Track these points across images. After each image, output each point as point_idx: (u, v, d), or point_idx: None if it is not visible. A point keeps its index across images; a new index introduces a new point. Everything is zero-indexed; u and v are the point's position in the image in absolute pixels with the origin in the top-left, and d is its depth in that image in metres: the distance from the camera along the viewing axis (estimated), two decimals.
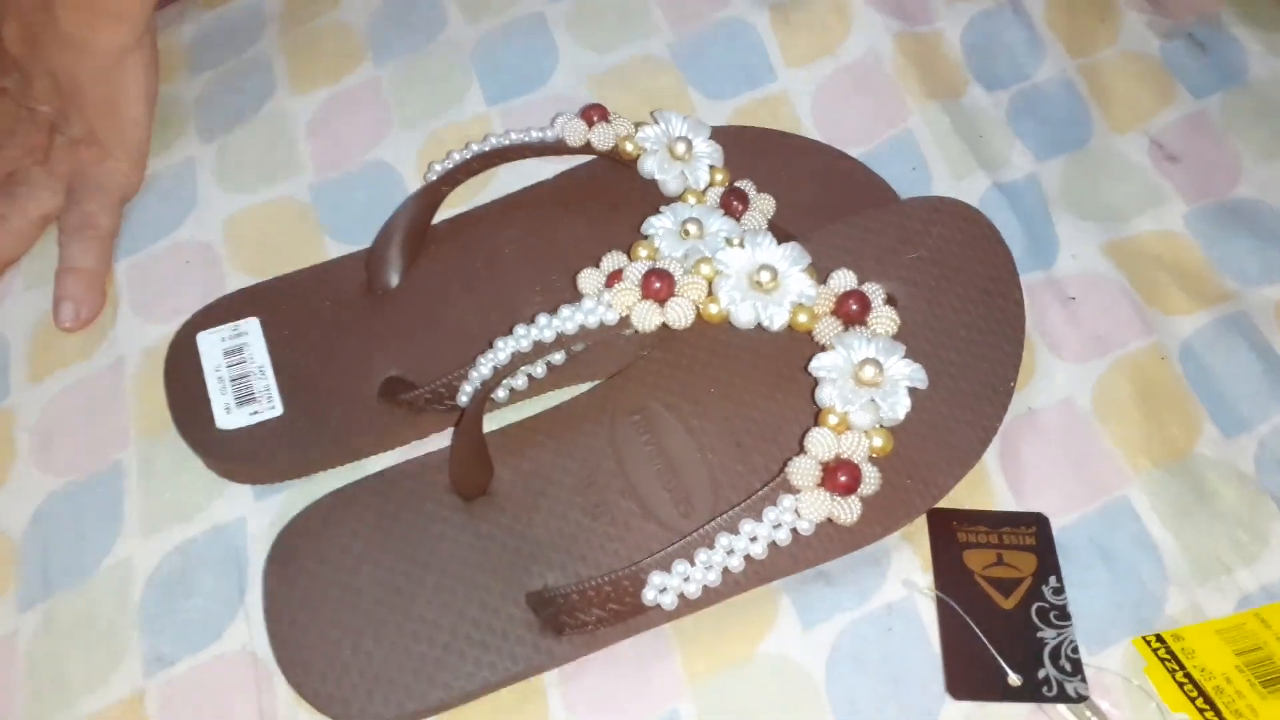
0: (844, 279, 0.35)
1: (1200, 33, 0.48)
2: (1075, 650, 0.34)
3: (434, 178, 0.41)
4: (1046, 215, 0.43)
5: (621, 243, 0.37)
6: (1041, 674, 0.34)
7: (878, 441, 0.33)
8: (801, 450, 0.33)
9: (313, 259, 0.44)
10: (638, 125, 0.40)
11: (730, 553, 0.33)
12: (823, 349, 0.34)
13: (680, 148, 0.39)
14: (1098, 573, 0.36)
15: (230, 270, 0.44)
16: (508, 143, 0.41)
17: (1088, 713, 0.33)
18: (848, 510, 0.33)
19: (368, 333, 0.41)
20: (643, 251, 0.36)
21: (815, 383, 0.34)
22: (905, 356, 0.34)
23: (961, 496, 0.37)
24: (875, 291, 0.35)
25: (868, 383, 0.33)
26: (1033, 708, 0.33)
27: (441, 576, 0.36)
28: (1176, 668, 0.34)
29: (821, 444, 0.33)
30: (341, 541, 0.37)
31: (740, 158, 0.41)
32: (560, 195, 0.44)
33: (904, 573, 0.36)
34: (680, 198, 0.39)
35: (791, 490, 0.33)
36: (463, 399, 0.36)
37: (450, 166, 0.41)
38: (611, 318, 0.34)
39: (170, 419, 0.40)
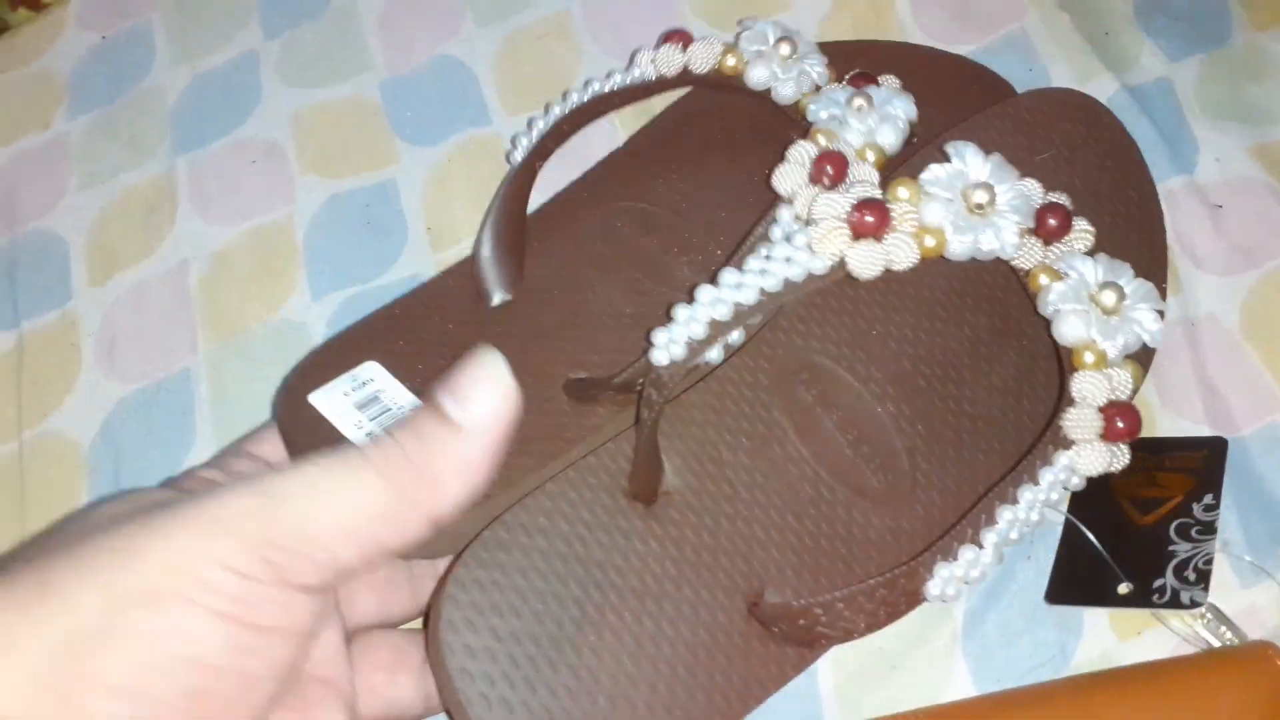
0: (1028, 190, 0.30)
1: None
2: (1208, 562, 0.31)
3: (521, 154, 0.36)
4: (1182, 118, 0.40)
5: (737, 186, 0.33)
6: (1158, 583, 0.31)
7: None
8: (1067, 398, 0.28)
9: (383, 161, 0.41)
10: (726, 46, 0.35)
11: (1013, 523, 0.28)
12: (1017, 272, 0.30)
13: (785, 49, 0.35)
14: (1246, 501, 0.33)
15: (299, 171, 0.41)
16: (590, 96, 0.35)
17: (1201, 623, 0.30)
18: (1121, 457, 0.28)
19: (514, 339, 0.35)
20: (823, 141, 0.30)
21: (979, 305, 0.31)
22: None
23: None
24: (1063, 200, 0.30)
25: (1111, 310, 0.28)
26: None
27: (644, 601, 0.30)
28: None
29: (1094, 388, 0.28)
30: (516, 584, 0.30)
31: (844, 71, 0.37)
32: (649, 152, 0.39)
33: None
34: (796, 107, 0.35)
35: (1064, 445, 0.28)
36: (663, 355, 0.29)
37: (537, 138, 0.35)
38: (820, 266, 0.28)
39: (237, 326, 0.38)
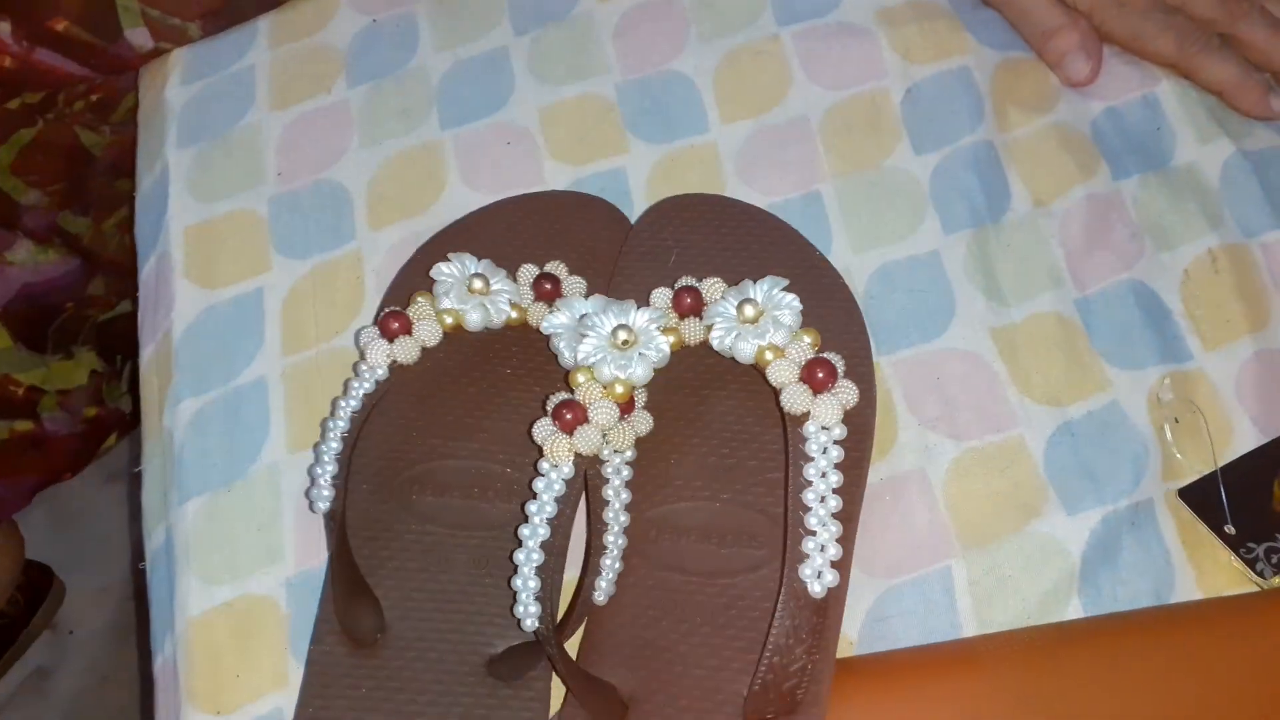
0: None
1: None
2: None
3: (323, 504, 0.39)
4: None
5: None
6: (1251, 547, 0.39)
7: (806, 339, 0.37)
8: (776, 392, 0.37)
9: (615, 153, 0.50)
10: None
11: (818, 499, 0.35)
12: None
13: (478, 283, 0.41)
14: None
15: (546, 155, 0.50)
16: (350, 415, 0.39)
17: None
18: (849, 394, 0.36)
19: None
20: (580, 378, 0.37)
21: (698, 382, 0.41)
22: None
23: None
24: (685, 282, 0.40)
25: (754, 318, 0.38)
26: None
27: None
28: None
29: (782, 369, 0.36)
30: None
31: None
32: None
33: (1152, 483, 0.41)
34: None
35: (800, 421, 0.36)
36: (530, 623, 0.35)
37: (330, 481, 0.39)
38: (568, 471, 0.36)
39: None
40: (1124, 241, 0.46)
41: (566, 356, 0.38)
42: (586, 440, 0.36)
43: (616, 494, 0.38)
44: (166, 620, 0.44)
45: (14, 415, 0.73)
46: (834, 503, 0.35)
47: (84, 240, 0.71)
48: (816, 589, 0.34)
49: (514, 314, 0.41)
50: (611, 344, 0.38)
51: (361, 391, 0.39)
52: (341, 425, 0.38)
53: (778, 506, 0.40)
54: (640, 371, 0.37)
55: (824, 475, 0.35)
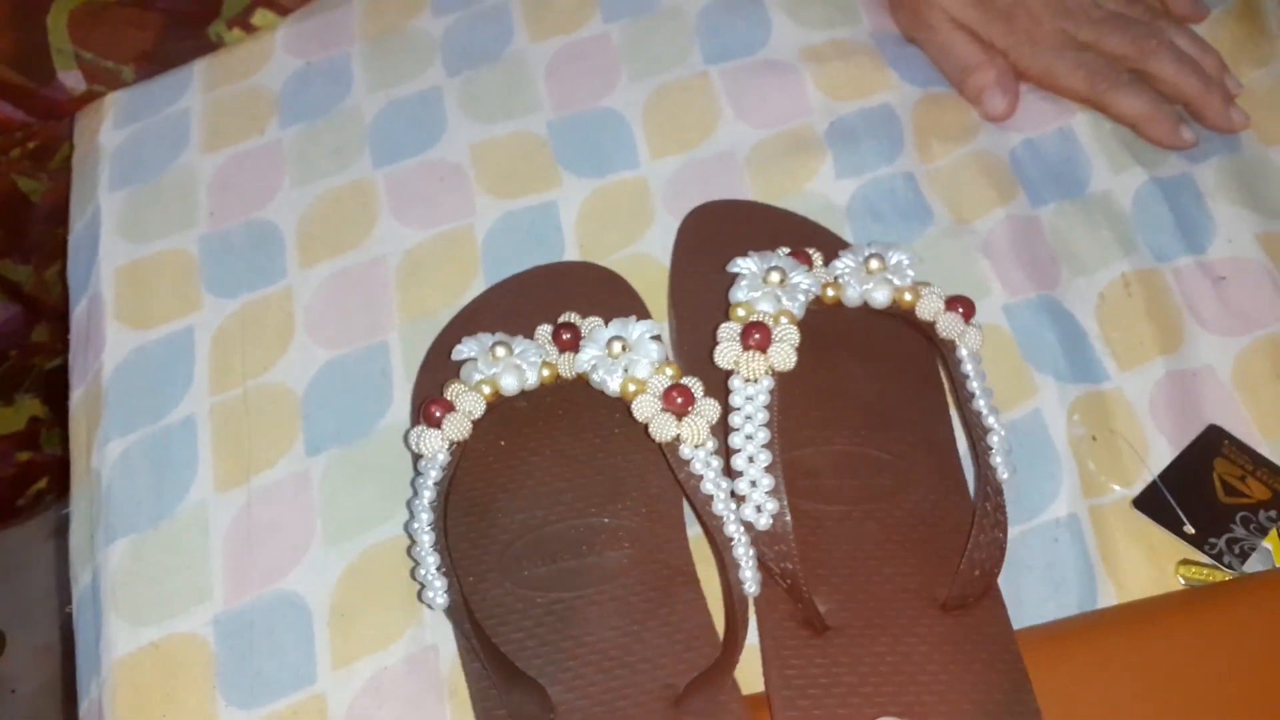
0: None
1: None
2: (1252, 549, 0.40)
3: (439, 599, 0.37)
4: (1203, 205, 0.49)
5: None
6: (1213, 541, 0.41)
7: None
8: (939, 342, 0.41)
9: (547, 188, 0.50)
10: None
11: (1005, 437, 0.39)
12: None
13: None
14: None
15: (478, 191, 0.50)
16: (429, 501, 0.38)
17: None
18: (974, 335, 0.40)
19: None
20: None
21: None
22: None
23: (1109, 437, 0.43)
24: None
25: (876, 270, 0.41)
26: None
27: None
28: None
29: (930, 302, 0.40)
30: None
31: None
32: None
33: (1073, 499, 0.42)
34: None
35: (950, 349, 0.40)
36: (765, 521, 0.37)
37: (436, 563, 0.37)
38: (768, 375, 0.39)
39: (427, 310, 0.47)
40: (1043, 263, 0.47)
41: (610, 385, 0.39)
42: (782, 355, 0.38)
43: (716, 485, 0.37)
44: (93, 663, 0.43)
45: None
46: (995, 418, 0.39)
47: (25, 288, 0.71)
48: (1004, 474, 0.38)
49: (545, 371, 0.41)
50: (766, 281, 0.41)
51: (432, 481, 0.38)
52: (425, 517, 0.37)
53: (894, 445, 0.42)
54: (801, 302, 0.40)
55: (987, 393, 0.39)
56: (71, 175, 0.56)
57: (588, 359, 0.40)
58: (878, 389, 0.43)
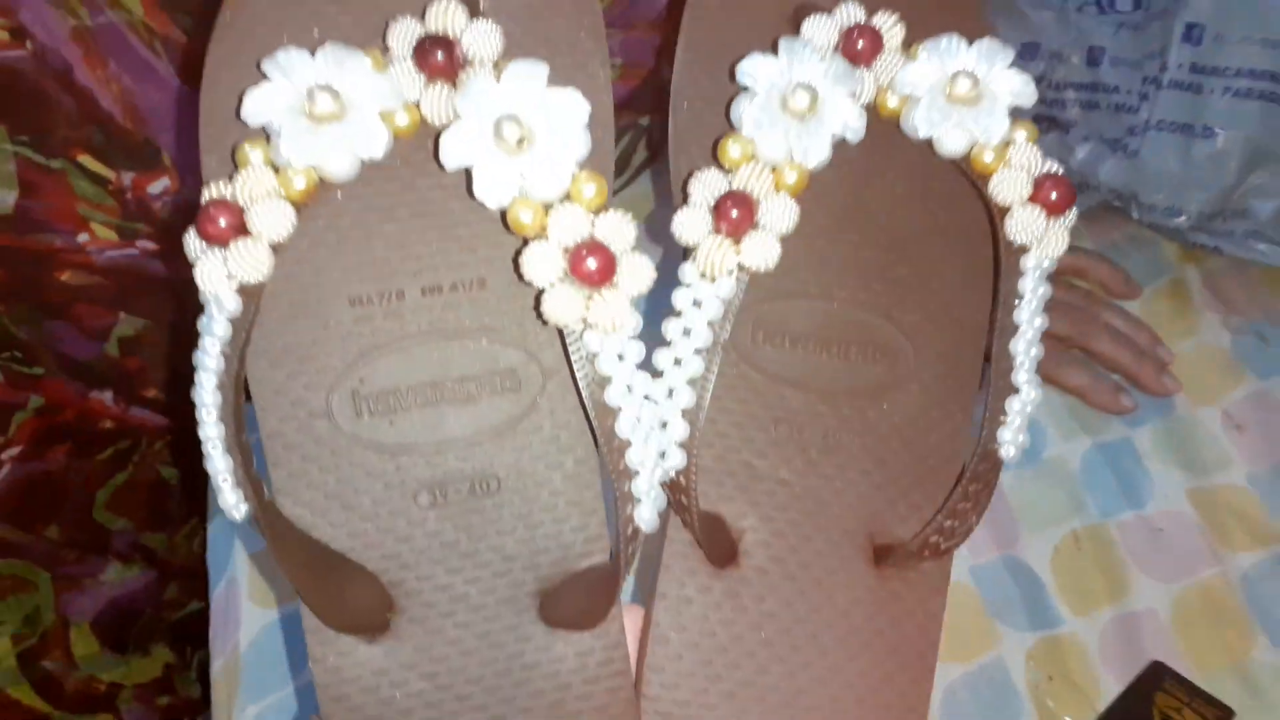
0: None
1: (1263, 328, 0.63)
2: None
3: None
4: (1142, 466, 0.58)
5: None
6: None
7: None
8: (996, 209, 0.30)
9: None
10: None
11: (1029, 347, 0.31)
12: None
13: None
14: None
15: None
16: None
17: None
18: (1068, 222, 0.30)
19: None
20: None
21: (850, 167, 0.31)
22: None
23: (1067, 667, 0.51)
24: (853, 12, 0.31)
25: (971, 98, 0.29)
26: None
27: (799, 608, 0.33)
28: None
29: (1010, 184, 0.30)
30: None
31: None
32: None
33: None
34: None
35: (1020, 252, 0.30)
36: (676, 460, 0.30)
37: None
38: (727, 289, 0.29)
39: None
40: (1004, 524, 0.56)
41: (489, 200, 0.27)
42: (760, 252, 0.28)
43: (626, 395, 0.28)
44: None
45: (95, 709, 0.83)
46: (1036, 352, 0.30)
47: (160, 553, 0.83)
48: (1010, 454, 0.30)
49: (404, 119, 0.27)
50: (786, 107, 0.28)
51: (218, 348, 0.27)
52: (211, 401, 0.27)
53: (905, 314, 0.33)
54: (826, 155, 0.29)
55: (1034, 321, 0.30)
56: None
57: (458, 146, 0.27)
58: (910, 229, 0.33)
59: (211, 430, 0.27)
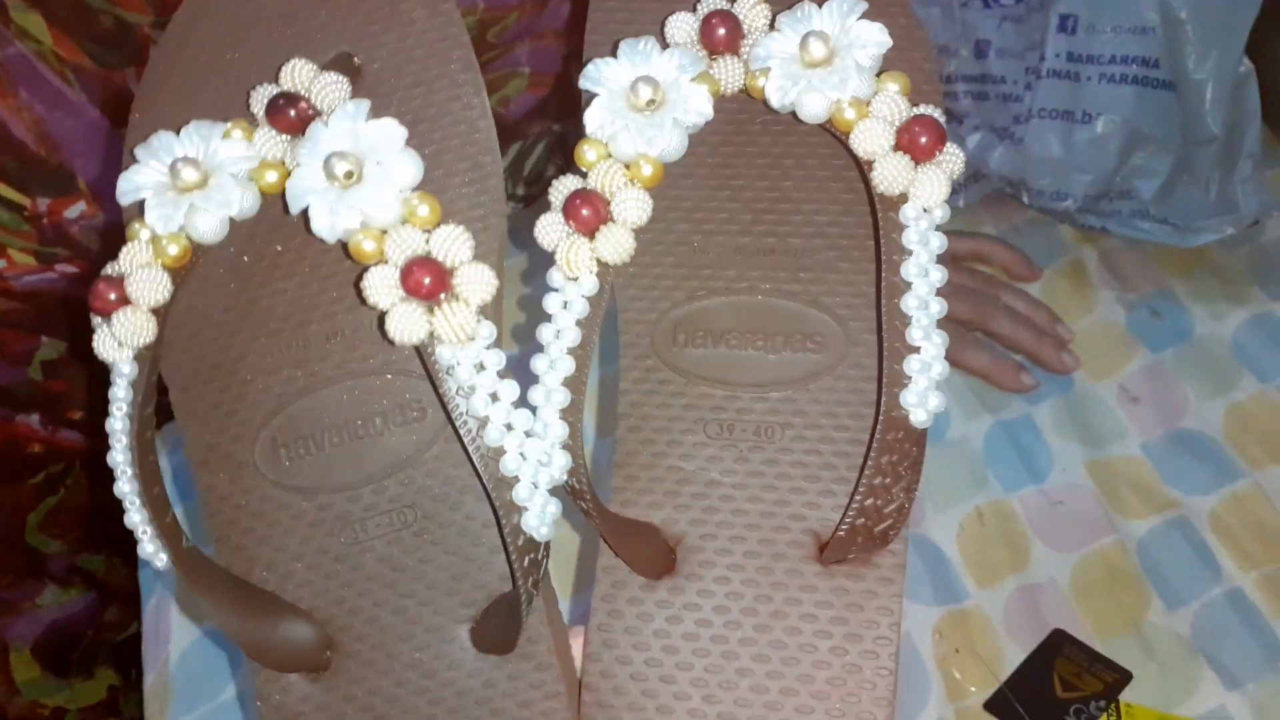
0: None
1: (1156, 303, 0.65)
2: None
3: None
4: (1042, 440, 0.60)
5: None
6: None
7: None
8: (863, 164, 0.30)
9: None
10: None
11: (924, 304, 0.29)
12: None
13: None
14: None
15: None
16: None
17: None
18: (955, 161, 0.29)
19: None
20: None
21: (737, 151, 0.32)
22: None
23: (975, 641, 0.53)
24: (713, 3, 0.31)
25: (824, 59, 0.29)
26: None
27: (740, 614, 0.32)
28: None
29: (876, 135, 0.29)
30: None
31: None
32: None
33: (940, 705, 0.52)
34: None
35: (898, 203, 0.29)
36: (555, 474, 0.29)
37: None
38: (590, 286, 0.29)
39: None
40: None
41: (326, 233, 0.28)
42: (613, 245, 0.28)
43: (490, 401, 0.28)
44: None
45: None
46: (937, 307, 0.29)
47: (99, 575, 0.84)
48: (921, 417, 0.28)
49: (271, 176, 0.29)
50: (630, 104, 0.29)
51: (123, 409, 0.29)
52: (123, 460, 0.29)
53: (833, 296, 0.32)
54: (675, 143, 0.29)
55: (925, 274, 0.28)
56: None
57: (299, 188, 0.28)
58: (830, 212, 0.33)
59: (126, 486, 0.29)
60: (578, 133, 0.31)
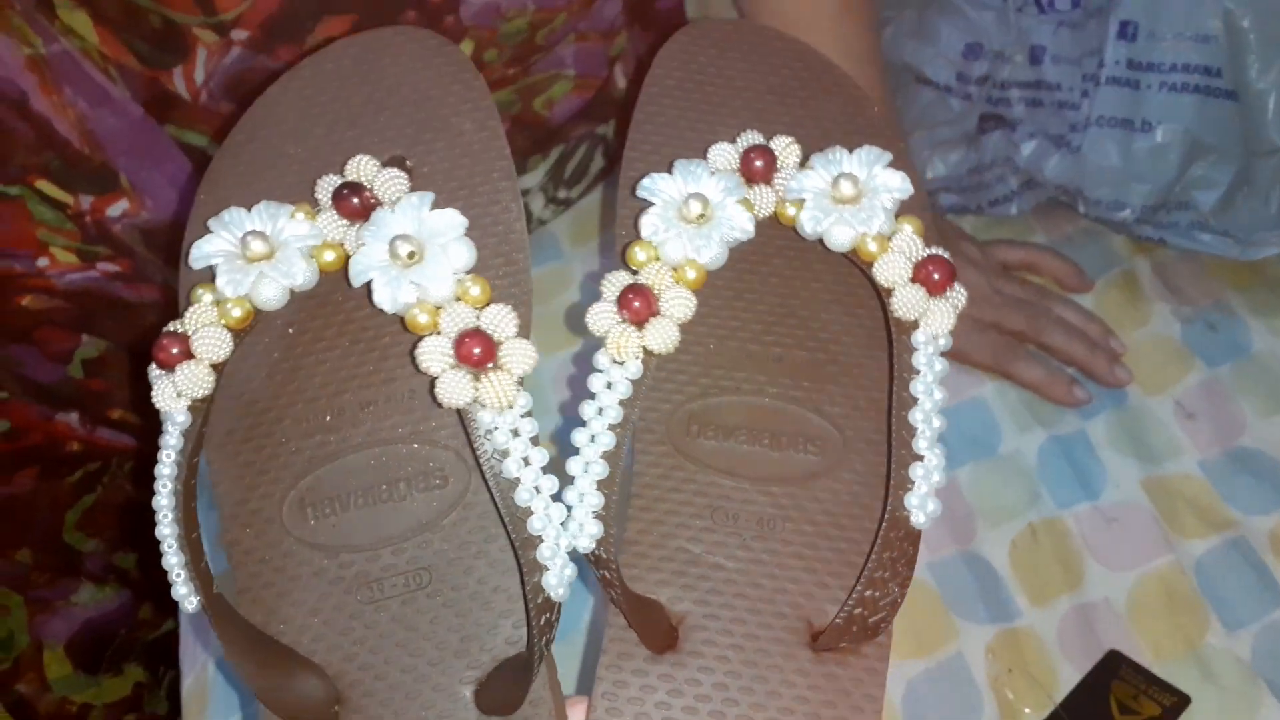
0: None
1: (1212, 316, 0.64)
2: None
3: None
4: (1096, 456, 0.59)
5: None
6: None
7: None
8: (882, 290, 0.33)
9: None
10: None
11: (928, 417, 0.32)
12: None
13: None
14: None
15: None
16: None
17: None
18: (958, 298, 0.33)
19: None
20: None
21: (768, 267, 0.36)
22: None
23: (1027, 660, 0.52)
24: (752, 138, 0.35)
25: (853, 198, 0.33)
26: None
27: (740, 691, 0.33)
28: None
29: (893, 265, 0.32)
30: None
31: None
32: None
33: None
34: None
35: (910, 329, 0.32)
36: (585, 543, 0.31)
37: None
38: (635, 370, 0.32)
39: None
40: (961, 520, 0.57)
41: (387, 305, 0.31)
42: (660, 335, 0.31)
43: (522, 465, 0.30)
44: None
45: None
46: (938, 423, 0.32)
47: (133, 574, 0.83)
48: (920, 519, 0.31)
49: (330, 255, 0.33)
50: (682, 216, 0.33)
51: (172, 452, 0.31)
52: (166, 502, 0.30)
53: (834, 406, 0.36)
54: (718, 253, 0.33)
55: (931, 392, 0.32)
56: None
57: (363, 265, 0.31)
58: (833, 330, 0.37)
59: (167, 529, 0.31)
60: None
